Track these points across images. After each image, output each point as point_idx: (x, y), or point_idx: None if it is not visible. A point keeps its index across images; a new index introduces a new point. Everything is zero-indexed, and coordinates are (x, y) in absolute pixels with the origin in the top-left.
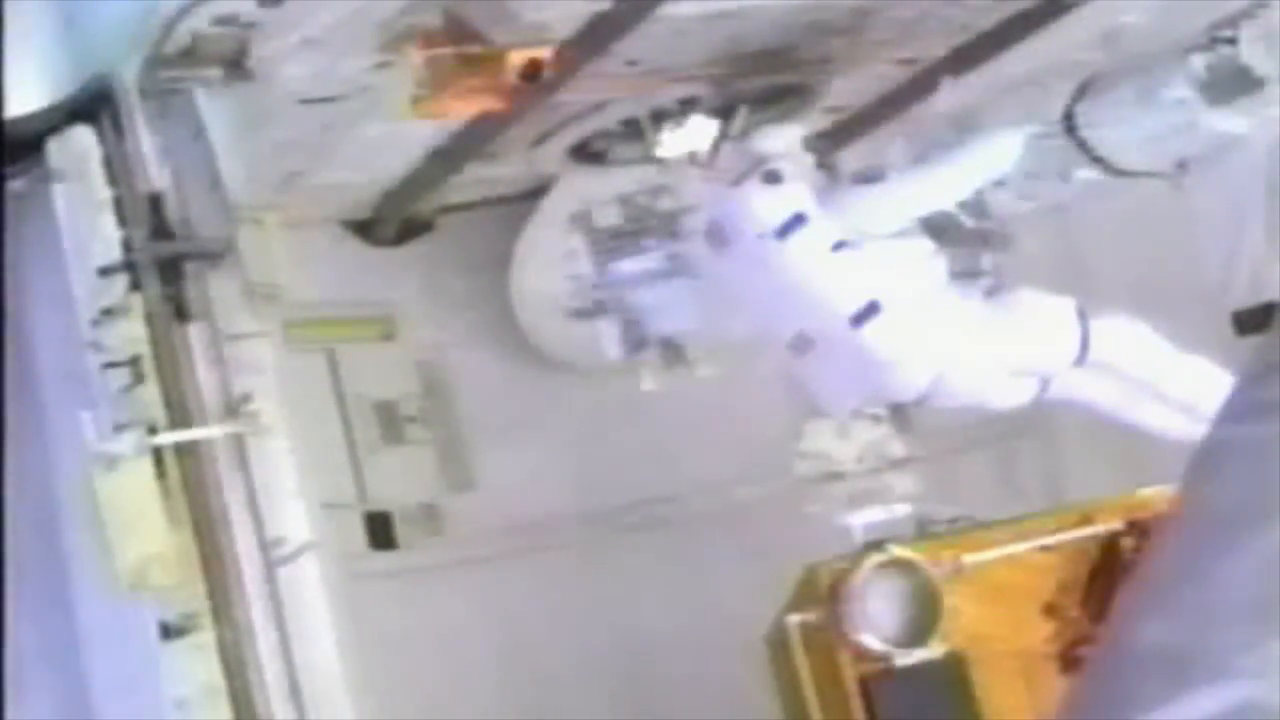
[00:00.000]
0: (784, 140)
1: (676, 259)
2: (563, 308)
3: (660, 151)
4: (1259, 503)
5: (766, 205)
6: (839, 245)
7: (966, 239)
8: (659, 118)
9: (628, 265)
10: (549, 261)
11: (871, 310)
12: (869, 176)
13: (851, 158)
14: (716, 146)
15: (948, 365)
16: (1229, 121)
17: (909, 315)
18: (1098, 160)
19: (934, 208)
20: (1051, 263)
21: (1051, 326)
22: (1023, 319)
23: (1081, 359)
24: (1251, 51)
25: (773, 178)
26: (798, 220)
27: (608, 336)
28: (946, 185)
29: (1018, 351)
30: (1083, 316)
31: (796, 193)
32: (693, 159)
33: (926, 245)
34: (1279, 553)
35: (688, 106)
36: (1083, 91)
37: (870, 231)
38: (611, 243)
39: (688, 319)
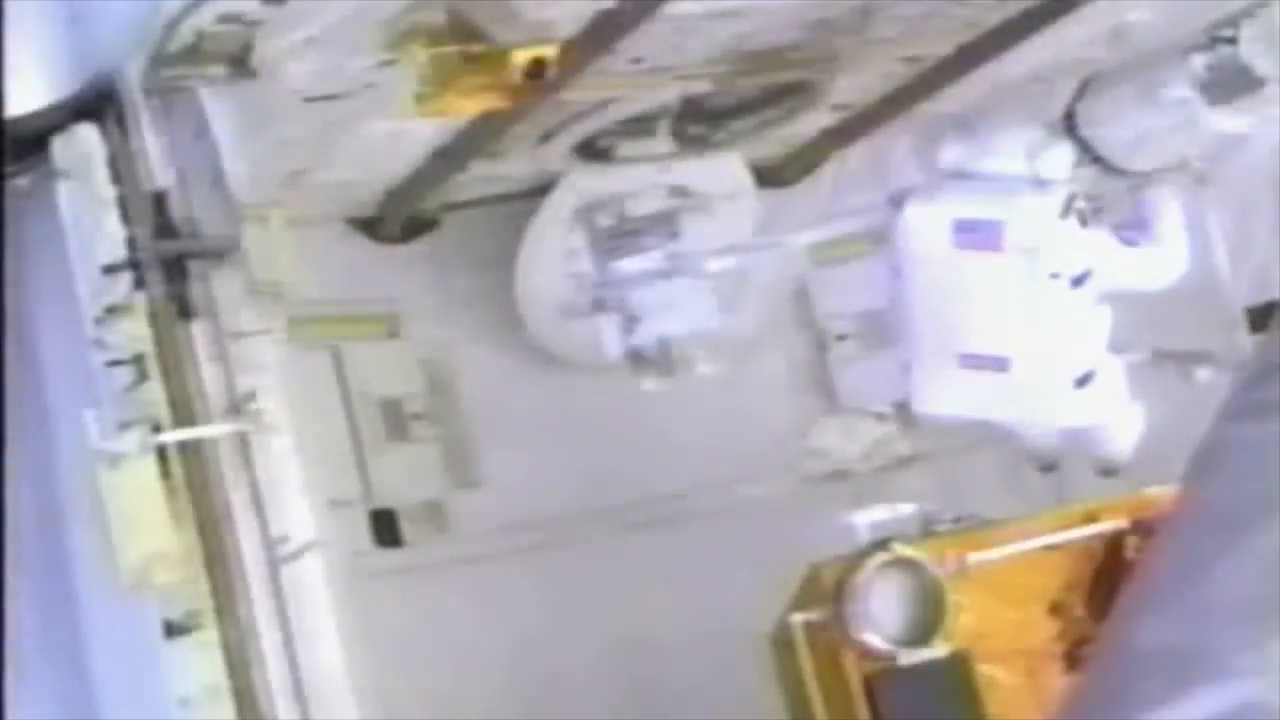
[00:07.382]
0: (1063, 164)
1: (677, 258)
2: (564, 306)
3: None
4: (1259, 502)
5: (1074, 246)
6: (1101, 299)
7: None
8: (663, 116)
9: (627, 264)
10: (551, 260)
11: (1088, 377)
12: (1129, 238)
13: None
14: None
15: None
16: (1229, 121)
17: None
18: (1098, 159)
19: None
20: None
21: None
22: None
23: None
24: (1251, 51)
25: (1083, 219)
26: (1088, 275)
27: (607, 334)
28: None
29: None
30: None
31: (1094, 242)
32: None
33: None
34: (1279, 553)
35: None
36: (1083, 91)
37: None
38: (611, 241)
39: (687, 318)
